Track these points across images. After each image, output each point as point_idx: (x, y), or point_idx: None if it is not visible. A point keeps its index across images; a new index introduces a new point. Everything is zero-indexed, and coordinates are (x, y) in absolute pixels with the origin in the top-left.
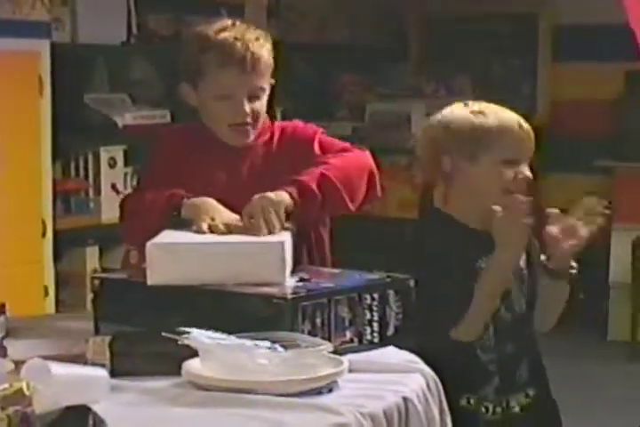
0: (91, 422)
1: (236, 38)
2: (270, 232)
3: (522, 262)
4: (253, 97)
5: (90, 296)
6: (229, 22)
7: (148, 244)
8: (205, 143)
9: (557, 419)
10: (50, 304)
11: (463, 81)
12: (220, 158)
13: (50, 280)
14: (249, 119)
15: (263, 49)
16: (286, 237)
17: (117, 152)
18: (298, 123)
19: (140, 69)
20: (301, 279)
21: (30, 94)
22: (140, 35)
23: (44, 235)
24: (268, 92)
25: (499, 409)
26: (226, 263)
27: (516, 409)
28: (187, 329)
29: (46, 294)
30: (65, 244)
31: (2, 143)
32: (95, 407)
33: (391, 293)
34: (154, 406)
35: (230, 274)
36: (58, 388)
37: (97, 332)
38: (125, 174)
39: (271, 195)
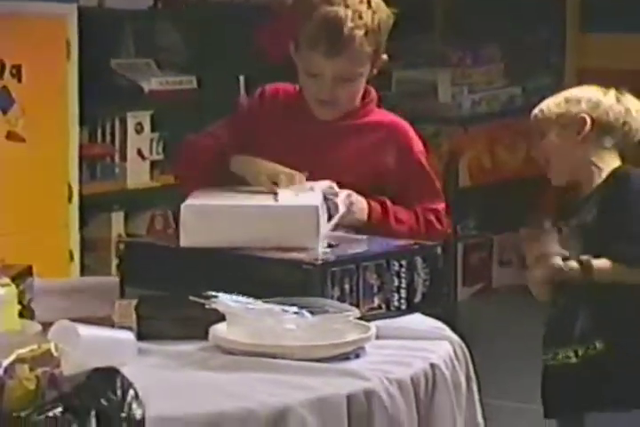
0: (118, 384)
1: (335, 16)
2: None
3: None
4: (344, 79)
5: (115, 262)
6: None
7: (182, 205)
8: (294, 109)
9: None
10: (75, 269)
11: (491, 49)
12: (303, 127)
13: (75, 245)
14: (333, 99)
15: (362, 30)
16: (320, 201)
17: (144, 118)
18: (409, 129)
19: (167, 35)
20: (329, 245)
21: (58, 58)
22: (167, 0)
23: (69, 200)
24: (366, 73)
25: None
26: (259, 226)
27: (573, 360)
28: (214, 293)
29: (72, 258)
30: (91, 209)
31: (29, 108)
32: (123, 370)
33: (419, 259)
34: (180, 369)
35: (264, 237)
36: (85, 350)
37: (122, 295)
38: (152, 140)
39: (360, 202)
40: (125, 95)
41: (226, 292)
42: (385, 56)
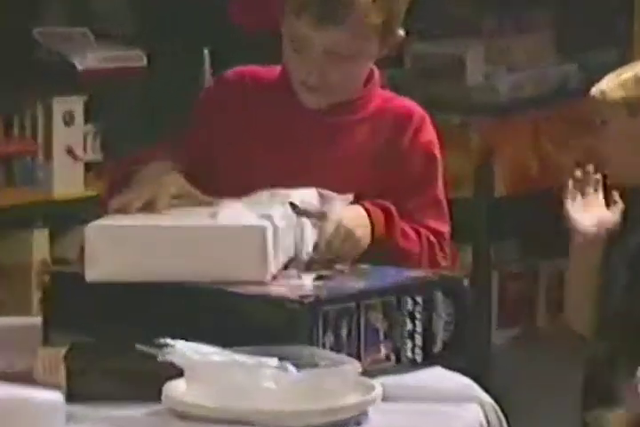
0: None
1: None
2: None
3: None
4: (339, 57)
5: (37, 295)
6: None
7: (86, 227)
8: (273, 96)
9: None
10: None
11: (537, 14)
12: (285, 119)
13: None
14: (322, 83)
15: None
16: (278, 219)
17: (76, 105)
18: (422, 120)
19: None
20: (320, 277)
21: None
22: None
23: None
24: (371, 53)
25: None
26: (186, 254)
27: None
28: (168, 340)
29: None
30: (5, 225)
31: None
32: None
33: (439, 295)
34: None
35: (194, 268)
36: None
37: (47, 342)
38: (86, 135)
39: (358, 234)
40: (51, 75)
41: (184, 338)
42: (402, 32)
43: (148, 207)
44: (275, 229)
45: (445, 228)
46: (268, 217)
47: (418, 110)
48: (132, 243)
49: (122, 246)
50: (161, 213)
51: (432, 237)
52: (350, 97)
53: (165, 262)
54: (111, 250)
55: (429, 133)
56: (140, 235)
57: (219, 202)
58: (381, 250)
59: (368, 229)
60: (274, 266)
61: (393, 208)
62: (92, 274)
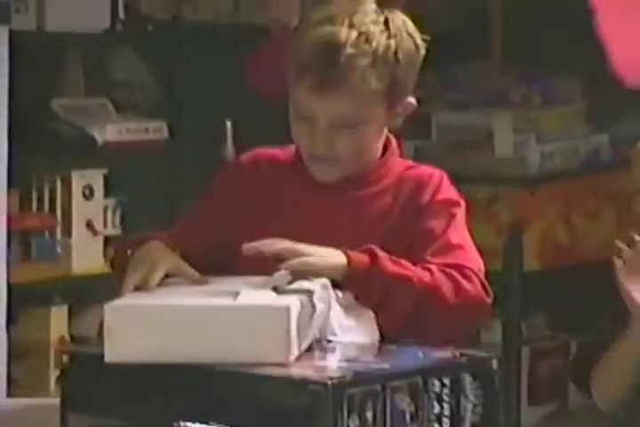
0: None
1: (333, 39)
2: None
3: None
4: (343, 126)
5: (55, 375)
6: (353, 3)
7: (105, 306)
8: (288, 172)
9: None
10: (0, 384)
11: (567, 83)
12: (297, 193)
13: (1, 351)
14: (331, 154)
15: (367, 59)
16: (301, 298)
17: (95, 178)
18: (445, 179)
19: (128, 66)
20: (345, 358)
21: None
22: (128, 20)
23: None
24: (377, 120)
25: None
26: (207, 334)
27: None
28: (187, 424)
29: None
30: (22, 302)
31: None
32: None
33: (467, 377)
34: None
35: (217, 349)
36: None
37: (65, 424)
38: (105, 208)
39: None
40: (70, 147)
41: (203, 421)
42: (413, 100)
43: (141, 287)
44: (312, 307)
45: (471, 263)
46: (309, 294)
47: (436, 171)
48: (152, 322)
49: (142, 326)
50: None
51: (448, 269)
52: (365, 169)
53: (186, 343)
54: (131, 330)
55: (448, 192)
56: (161, 314)
57: (216, 280)
58: (372, 279)
59: (333, 258)
60: (297, 347)
61: (377, 248)
62: (112, 355)
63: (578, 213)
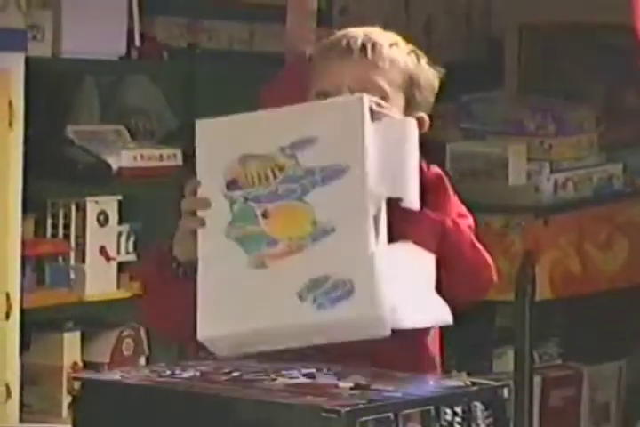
0: None
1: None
2: None
3: None
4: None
5: (67, 400)
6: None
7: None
8: None
9: None
10: (12, 409)
11: (581, 112)
12: None
13: (13, 376)
14: None
15: (390, 45)
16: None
17: (110, 204)
18: (441, 181)
19: (143, 93)
20: (358, 385)
21: None
22: (143, 47)
23: (7, 315)
24: (399, 107)
25: None
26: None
27: None
28: None
29: (8, 394)
30: (35, 327)
31: None
32: None
33: (478, 405)
34: None
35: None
36: None
37: None
38: (119, 234)
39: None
40: (85, 174)
41: None
42: (425, 115)
43: None
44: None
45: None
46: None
47: (438, 172)
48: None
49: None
50: None
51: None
52: None
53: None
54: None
55: (437, 170)
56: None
57: None
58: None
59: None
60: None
61: None
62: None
63: (590, 243)
